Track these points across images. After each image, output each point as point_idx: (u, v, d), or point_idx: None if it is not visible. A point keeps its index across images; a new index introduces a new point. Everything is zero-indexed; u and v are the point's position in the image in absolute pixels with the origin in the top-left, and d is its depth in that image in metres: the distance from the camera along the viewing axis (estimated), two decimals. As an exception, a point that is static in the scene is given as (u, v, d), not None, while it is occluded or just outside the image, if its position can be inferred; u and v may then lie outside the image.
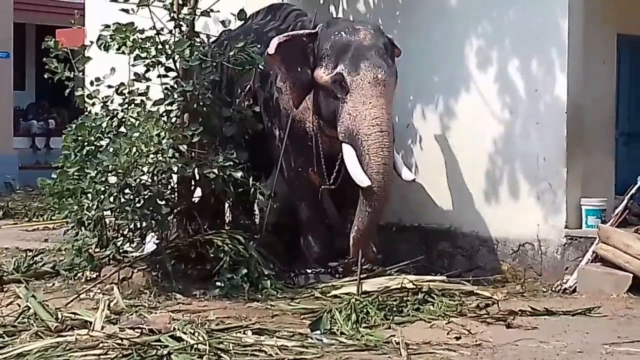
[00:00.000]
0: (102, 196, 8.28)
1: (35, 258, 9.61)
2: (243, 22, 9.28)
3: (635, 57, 10.09)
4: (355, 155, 8.21)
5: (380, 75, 8.27)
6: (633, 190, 8.81)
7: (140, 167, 8.30)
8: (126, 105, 8.73)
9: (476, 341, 6.58)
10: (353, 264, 8.34)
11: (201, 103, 8.66)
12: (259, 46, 8.74)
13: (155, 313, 7.20)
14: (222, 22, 9.17)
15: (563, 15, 8.73)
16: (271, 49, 8.43)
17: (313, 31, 8.62)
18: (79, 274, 8.79)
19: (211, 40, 9.48)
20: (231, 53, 8.67)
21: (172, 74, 8.71)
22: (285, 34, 8.61)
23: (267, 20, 9.59)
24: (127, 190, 8.31)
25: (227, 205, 9.34)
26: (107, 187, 8.29)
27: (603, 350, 6.40)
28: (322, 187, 8.71)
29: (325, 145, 8.72)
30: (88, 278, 8.68)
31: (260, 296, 8.06)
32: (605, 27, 9.32)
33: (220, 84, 9.17)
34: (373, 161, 8.14)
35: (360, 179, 8.12)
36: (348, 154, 8.28)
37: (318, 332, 6.75)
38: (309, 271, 8.73)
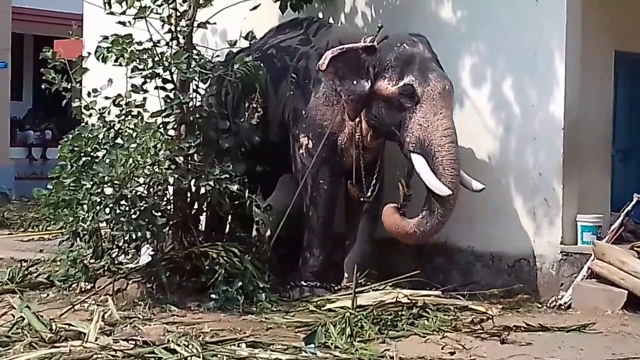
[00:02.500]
0: (97, 207, 8.26)
1: (30, 268, 9.61)
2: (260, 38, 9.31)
3: (633, 73, 10.11)
4: (428, 165, 8.25)
5: (447, 87, 8.40)
6: (629, 207, 8.81)
7: (136, 179, 8.29)
8: (123, 117, 8.73)
9: (470, 356, 6.57)
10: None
11: (198, 115, 8.67)
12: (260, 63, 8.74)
13: (150, 325, 7.18)
14: (245, 37, 9.19)
15: (560, 31, 8.75)
16: (323, 64, 8.45)
17: (370, 44, 8.62)
18: (73, 285, 8.78)
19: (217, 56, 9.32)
20: (236, 66, 8.63)
21: (170, 85, 8.72)
22: (339, 47, 8.57)
23: (285, 34, 9.53)
24: (122, 202, 8.30)
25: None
26: (102, 198, 8.27)
27: (597, 367, 6.41)
28: (363, 199, 8.80)
29: (353, 158, 8.77)
30: (83, 289, 8.67)
31: (254, 309, 8.05)
32: (602, 44, 9.34)
33: (227, 94, 9.15)
34: (447, 172, 8.22)
35: (440, 188, 8.18)
36: (420, 164, 8.31)
37: (312, 345, 6.72)
38: (304, 284, 8.72)
